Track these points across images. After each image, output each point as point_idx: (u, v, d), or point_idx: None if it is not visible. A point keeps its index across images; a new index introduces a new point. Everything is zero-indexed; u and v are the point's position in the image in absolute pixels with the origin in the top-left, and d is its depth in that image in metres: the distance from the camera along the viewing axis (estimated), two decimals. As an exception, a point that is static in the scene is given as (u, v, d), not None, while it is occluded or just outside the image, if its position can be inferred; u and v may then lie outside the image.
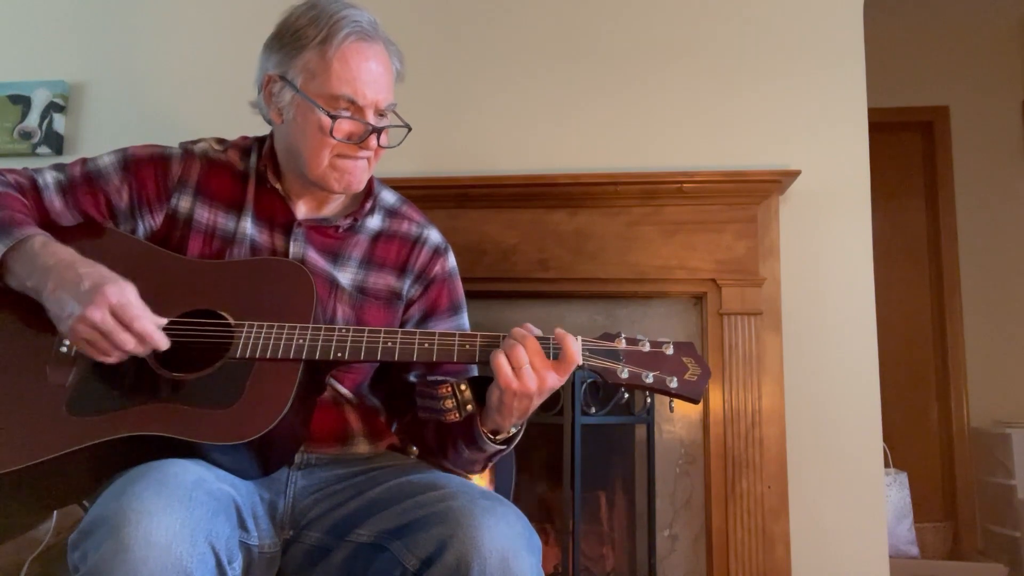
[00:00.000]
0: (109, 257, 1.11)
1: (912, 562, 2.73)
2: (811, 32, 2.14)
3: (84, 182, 1.22)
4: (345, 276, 1.24)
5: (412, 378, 1.26)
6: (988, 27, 3.48)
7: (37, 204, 1.20)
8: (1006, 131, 3.44)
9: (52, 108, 2.38)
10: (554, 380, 1.05)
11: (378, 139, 1.19)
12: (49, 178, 1.22)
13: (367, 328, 1.09)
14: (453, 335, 1.08)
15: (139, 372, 1.06)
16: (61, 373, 1.07)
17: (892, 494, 2.76)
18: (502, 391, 1.04)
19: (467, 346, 1.07)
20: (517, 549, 0.95)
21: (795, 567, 1.97)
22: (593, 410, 1.93)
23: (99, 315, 1.00)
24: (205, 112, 2.29)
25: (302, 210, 1.26)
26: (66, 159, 1.31)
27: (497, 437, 1.13)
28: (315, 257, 1.23)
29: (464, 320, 1.32)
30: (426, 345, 1.07)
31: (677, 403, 1.09)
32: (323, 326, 1.09)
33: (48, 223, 1.19)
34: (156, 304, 1.08)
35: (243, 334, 1.08)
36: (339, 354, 1.07)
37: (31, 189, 1.20)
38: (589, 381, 1.92)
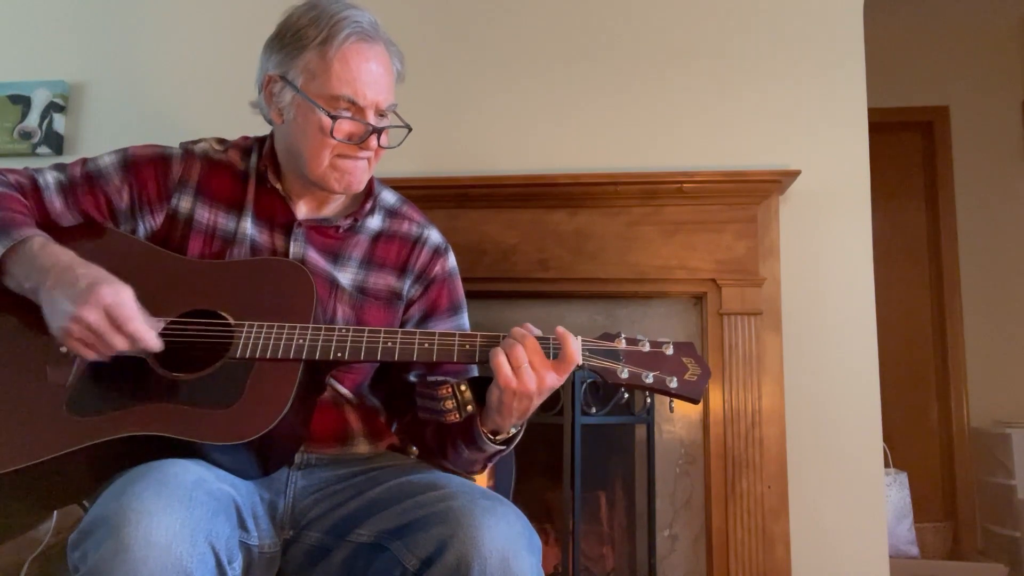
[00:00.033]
0: (109, 257, 1.11)
1: (912, 562, 2.73)
2: (811, 32, 2.14)
3: (84, 182, 1.22)
4: (345, 276, 1.24)
5: (412, 378, 1.26)
6: (988, 27, 3.48)
7: (38, 204, 1.20)
8: (1006, 131, 3.44)
9: (52, 108, 2.38)
10: (553, 379, 1.05)
11: (378, 139, 1.19)
12: (50, 178, 1.22)
13: (367, 328, 1.09)
14: (453, 335, 1.08)
15: (139, 372, 1.06)
16: (61, 373, 1.07)
17: (892, 494, 2.76)
18: (501, 391, 1.04)
19: (467, 346, 1.07)
20: (517, 549, 0.95)
21: (795, 567, 1.97)
22: (593, 410, 1.93)
23: (93, 315, 1.00)
24: (205, 112, 2.29)
25: (302, 210, 1.26)
26: (66, 159, 1.31)
27: (497, 437, 1.13)
28: (315, 257, 1.23)
29: (464, 320, 1.32)
30: (426, 345, 1.07)
31: (677, 403, 1.09)
32: (323, 326, 1.09)
33: (48, 223, 1.19)
34: (156, 304, 1.08)
35: (243, 334, 1.08)
36: (339, 354, 1.07)
37: (32, 189, 1.20)
38: (589, 381, 1.92)
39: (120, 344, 1.02)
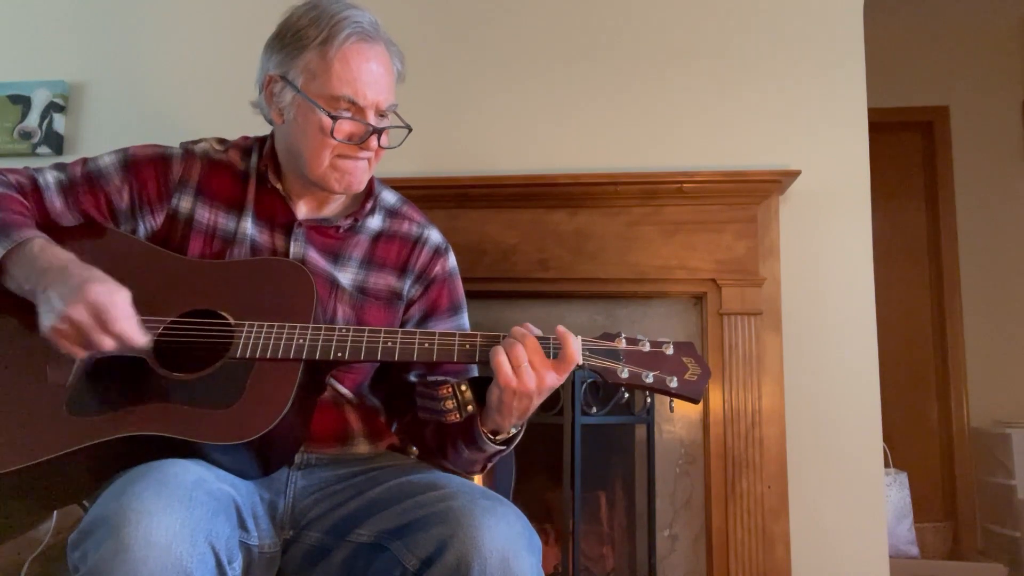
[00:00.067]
0: (109, 257, 1.11)
1: (912, 562, 2.73)
2: (811, 32, 2.14)
3: (85, 182, 1.22)
4: (345, 276, 1.24)
5: (412, 378, 1.26)
6: (988, 27, 3.49)
7: (38, 204, 1.20)
8: (1006, 131, 3.44)
9: (52, 108, 2.38)
10: (553, 379, 1.05)
11: (379, 140, 1.19)
12: (50, 178, 1.22)
13: (367, 328, 1.09)
14: (453, 335, 1.08)
15: (139, 372, 1.06)
16: (61, 373, 1.07)
17: (892, 494, 2.76)
18: (501, 390, 1.04)
19: (467, 346, 1.07)
20: (517, 549, 0.95)
21: (795, 567, 1.97)
22: (593, 410, 1.93)
23: (80, 313, 0.99)
24: (205, 112, 2.29)
25: (303, 210, 1.26)
26: (66, 159, 1.31)
27: (497, 437, 1.13)
28: (315, 257, 1.23)
29: (464, 320, 1.32)
30: (426, 345, 1.07)
31: (677, 403, 1.09)
32: (323, 326, 1.09)
33: (49, 223, 1.19)
34: (157, 304, 1.08)
35: (243, 334, 1.08)
36: (339, 354, 1.07)
37: (32, 189, 1.20)
38: (589, 381, 1.92)
39: (106, 343, 1.01)
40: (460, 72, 2.26)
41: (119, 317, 1.01)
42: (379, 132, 1.18)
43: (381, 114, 1.19)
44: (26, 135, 2.38)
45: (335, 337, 1.07)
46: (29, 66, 2.43)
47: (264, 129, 1.29)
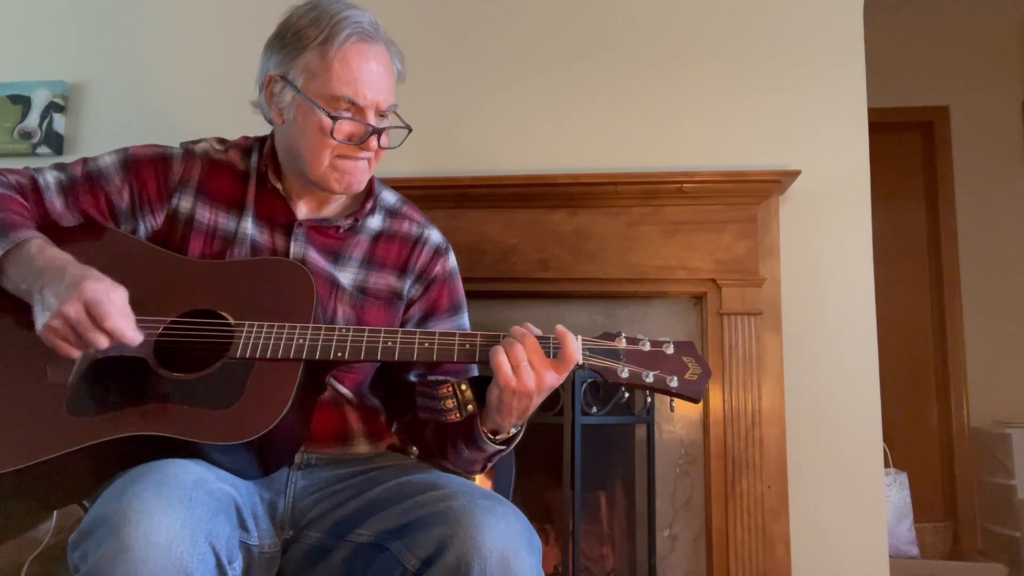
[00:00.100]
0: (109, 257, 1.11)
1: (912, 562, 2.73)
2: (811, 32, 2.14)
3: (85, 182, 1.22)
4: (346, 276, 1.24)
5: (412, 378, 1.26)
6: (988, 27, 3.49)
7: (38, 205, 1.20)
8: (1006, 131, 3.44)
9: (52, 108, 2.38)
10: (552, 378, 1.04)
11: (378, 140, 1.19)
12: (50, 178, 1.22)
13: (367, 328, 1.09)
14: (453, 335, 1.08)
15: (139, 372, 1.06)
16: (61, 373, 1.07)
17: (892, 494, 2.76)
18: (501, 389, 1.04)
19: (467, 345, 1.07)
20: (517, 549, 0.95)
21: (795, 567, 1.97)
22: (593, 410, 1.93)
23: (73, 310, 0.99)
24: (205, 112, 2.29)
25: (303, 210, 1.26)
26: (66, 159, 1.31)
27: (497, 437, 1.13)
28: (316, 257, 1.23)
29: (464, 320, 1.32)
30: (426, 345, 1.07)
31: (677, 403, 1.09)
32: (323, 326, 1.09)
33: (49, 223, 1.19)
34: (157, 304, 1.08)
35: (243, 334, 1.08)
36: (339, 354, 1.07)
37: (32, 190, 1.20)
38: (589, 381, 1.92)
39: (100, 340, 1.01)
40: (460, 72, 2.26)
41: (112, 313, 1.01)
42: (379, 132, 1.18)
43: (381, 114, 1.19)
44: (26, 135, 2.39)
45: (335, 337, 1.07)
46: (29, 66, 2.43)
47: (264, 129, 1.29)
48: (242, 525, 1.00)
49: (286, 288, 1.13)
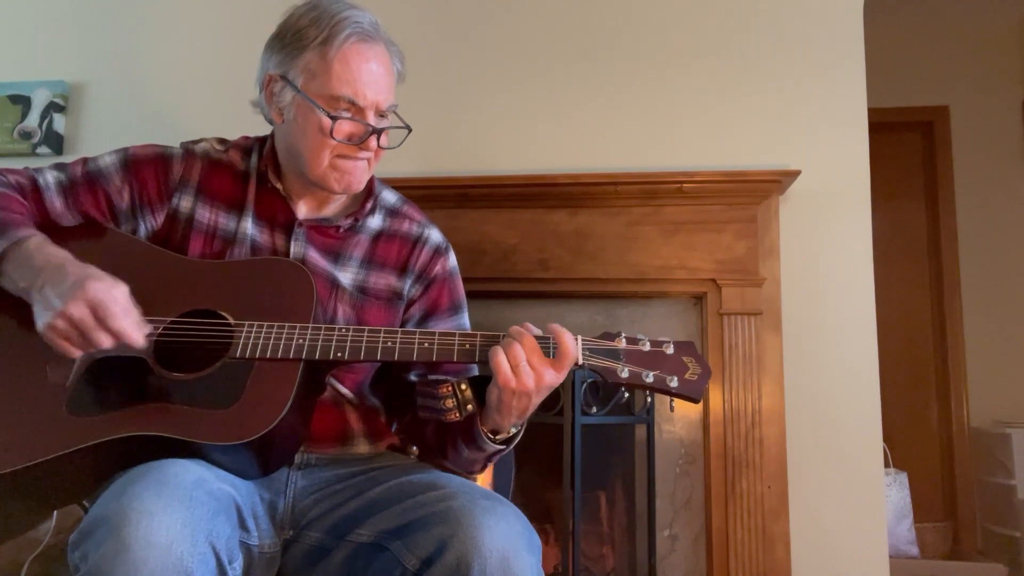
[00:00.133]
0: (109, 257, 1.11)
1: (912, 562, 2.73)
2: (811, 32, 2.14)
3: (85, 182, 1.22)
4: (346, 276, 1.24)
5: (412, 377, 1.26)
6: (988, 27, 3.49)
7: (38, 204, 1.20)
8: (1006, 131, 3.44)
9: (52, 108, 2.38)
10: (552, 377, 1.04)
11: (378, 140, 1.19)
12: (50, 178, 1.22)
13: (367, 328, 1.09)
14: (453, 335, 1.08)
15: (139, 372, 1.06)
16: (61, 373, 1.07)
17: (892, 494, 2.76)
18: (500, 389, 1.04)
19: (467, 345, 1.07)
20: (517, 549, 0.95)
21: (795, 567, 1.97)
22: (593, 410, 1.93)
23: (77, 310, 0.99)
24: (205, 112, 2.29)
25: (303, 210, 1.26)
26: (66, 159, 1.31)
27: (497, 437, 1.13)
28: (316, 257, 1.23)
29: (465, 320, 1.32)
30: (426, 345, 1.07)
31: (677, 403, 1.09)
32: (323, 326, 1.09)
33: (49, 223, 1.19)
34: (156, 304, 1.08)
35: (243, 334, 1.08)
36: (339, 354, 1.07)
37: (32, 190, 1.20)
38: (589, 381, 1.92)
39: (104, 341, 1.01)
40: (460, 72, 2.26)
41: (118, 314, 1.01)
42: (378, 132, 1.18)
43: (381, 114, 1.19)
44: (26, 135, 2.39)
45: (335, 337, 1.07)
46: (29, 66, 2.43)
47: (264, 129, 1.29)
48: (242, 525, 1.00)
49: (286, 288, 1.13)
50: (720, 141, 2.13)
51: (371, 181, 1.28)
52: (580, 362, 1.05)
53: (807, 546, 1.98)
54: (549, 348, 1.05)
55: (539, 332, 1.06)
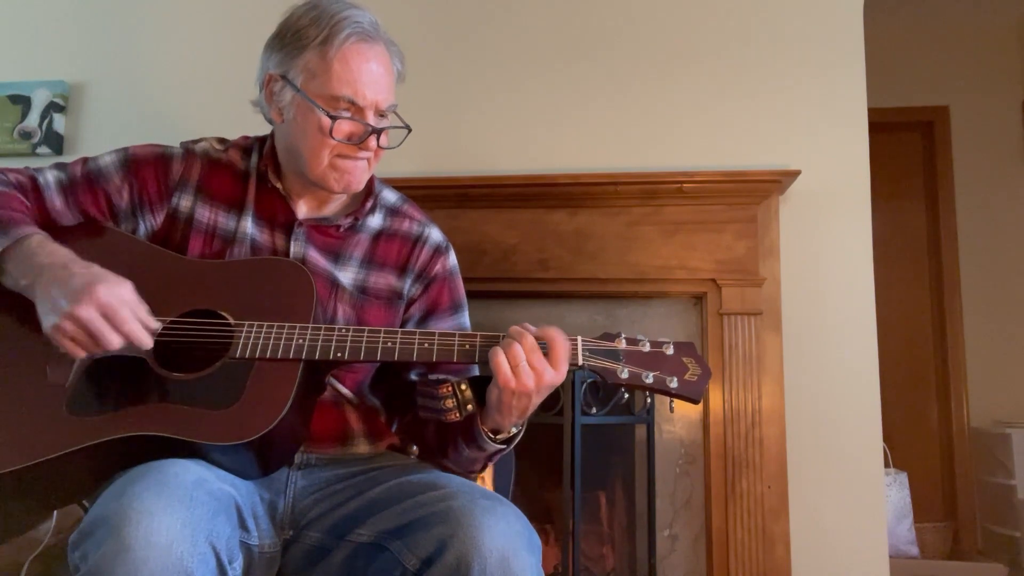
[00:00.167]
0: (109, 257, 1.11)
1: (912, 562, 2.73)
2: (811, 32, 2.14)
3: (85, 181, 1.22)
4: (346, 276, 1.24)
5: (413, 376, 1.26)
6: (988, 27, 3.49)
7: (38, 203, 1.20)
8: (1006, 131, 3.44)
9: (52, 108, 2.38)
10: (551, 377, 1.04)
11: (378, 140, 1.19)
12: (50, 177, 1.22)
13: (367, 328, 1.09)
14: (453, 335, 1.08)
15: (139, 372, 1.06)
16: (61, 373, 1.07)
17: (892, 494, 2.76)
18: (500, 390, 1.04)
19: (467, 346, 1.07)
20: (517, 549, 0.95)
21: (795, 567, 1.97)
22: (593, 410, 1.93)
23: (87, 313, 0.99)
24: (205, 112, 2.29)
25: (303, 209, 1.26)
26: (66, 159, 1.31)
27: (497, 436, 1.13)
28: (316, 257, 1.23)
29: (465, 319, 1.32)
30: (426, 345, 1.07)
31: (677, 403, 1.09)
32: (323, 326, 1.09)
33: (49, 222, 1.19)
34: (156, 304, 1.08)
35: (243, 334, 1.08)
36: (339, 354, 1.07)
37: (32, 188, 1.20)
38: (589, 381, 1.92)
39: (114, 343, 1.01)
40: (460, 72, 2.26)
41: (129, 318, 1.02)
42: (378, 132, 1.18)
43: (381, 114, 1.19)
44: (26, 135, 2.39)
45: (335, 337, 1.07)
46: (29, 66, 2.43)
47: (264, 129, 1.29)
48: (242, 525, 1.00)
49: (286, 288, 1.13)
50: (720, 141, 2.13)
51: (371, 180, 1.28)
52: (580, 363, 1.05)
53: (807, 546, 1.98)
54: (544, 350, 1.05)
55: (547, 329, 1.06)
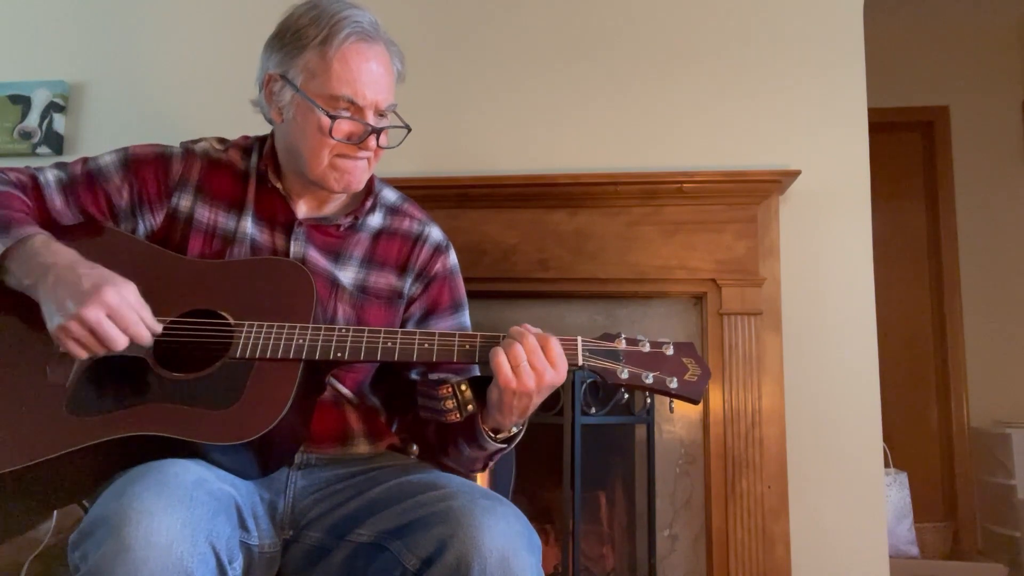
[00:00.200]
0: (109, 256, 1.11)
1: (912, 562, 2.73)
2: (811, 32, 2.14)
3: (85, 181, 1.22)
4: (346, 275, 1.24)
5: (414, 375, 1.26)
6: (988, 27, 3.48)
7: (38, 202, 1.20)
8: (1006, 131, 3.44)
9: (52, 108, 2.38)
10: (552, 377, 1.04)
11: (377, 139, 1.19)
12: (50, 176, 1.22)
13: (367, 328, 1.09)
14: (453, 335, 1.08)
15: (139, 372, 1.06)
16: (61, 373, 1.07)
17: (892, 494, 2.76)
18: (501, 390, 1.04)
19: (467, 346, 1.07)
20: (517, 549, 0.95)
21: (795, 567, 1.97)
22: (593, 410, 1.93)
23: (94, 315, 0.99)
24: (205, 112, 2.29)
25: (303, 209, 1.26)
26: (66, 159, 1.31)
27: (498, 436, 1.13)
28: (316, 256, 1.23)
29: (465, 318, 1.32)
30: (426, 345, 1.07)
31: (677, 403, 1.09)
32: (323, 326, 1.09)
33: (49, 222, 1.19)
34: (156, 304, 1.08)
35: (243, 334, 1.08)
36: (339, 354, 1.07)
37: (32, 187, 1.20)
38: (589, 381, 1.92)
39: (120, 345, 1.02)
40: (460, 72, 2.26)
41: (135, 321, 1.02)
42: (378, 132, 1.18)
43: (380, 114, 1.19)
44: (26, 135, 2.39)
45: (335, 337, 1.07)
46: (29, 66, 2.43)
47: (264, 129, 1.29)
48: (242, 525, 1.00)
49: (286, 288, 1.13)
50: (720, 141, 2.13)
51: (371, 180, 1.28)
52: (580, 363, 1.05)
53: (807, 546, 1.98)
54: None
55: (539, 332, 1.06)
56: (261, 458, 1.05)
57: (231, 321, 1.10)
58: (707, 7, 2.19)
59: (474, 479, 1.24)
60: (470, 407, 1.13)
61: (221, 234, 1.23)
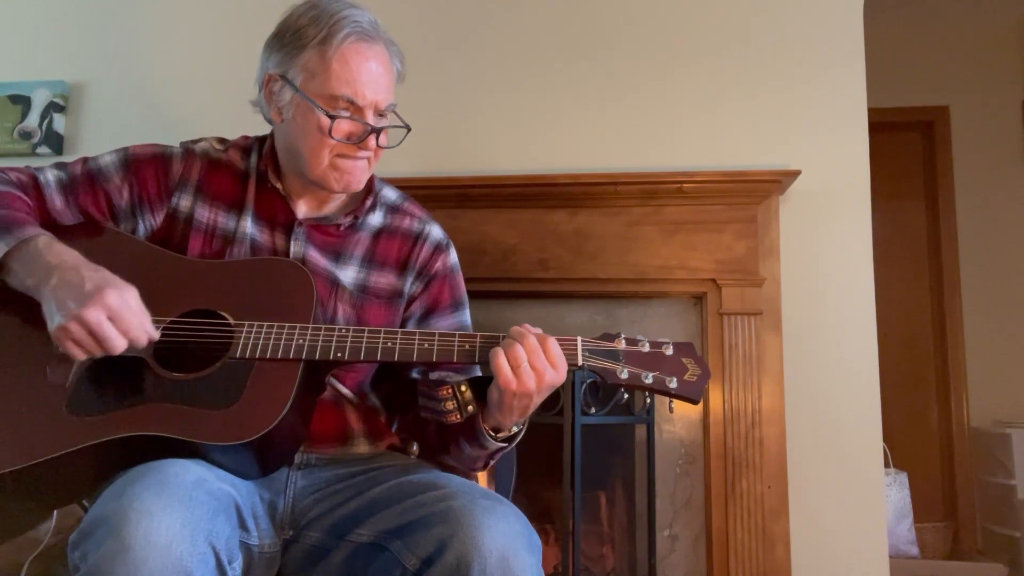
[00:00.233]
0: (109, 257, 1.11)
1: (912, 562, 2.73)
2: (811, 32, 2.14)
3: (85, 180, 1.22)
4: (347, 275, 1.24)
5: (414, 375, 1.26)
6: (988, 27, 3.49)
7: (39, 202, 1.20)
8: (1006, 131, 3.44)
9: (52, 108, 2.38)
10: (552, 377, 1.04)
11: (377, 139, 1.19)
12: (50, 176, 1.22)
13: (367, 328, 1.09)
14: (453, 335, 1.08)
15: (139, 372, 1.06)
16: (61, 373, 1.07)
17: (892, 494, 2.76)
18: (501, 391, 1.04)
19: (467, 346, 1.07)
20: (517, 549, 0.95)
21: (795, 567, 1.97)
22: (593, 410, 1.93)
23: (94, 317, 0.99)
24: (205, 112, 2.29)
25: (303, 209, 1.26)
26: (66, 159, 1.31)
27: (499, 435, 1.13)
28: (316, 256, 1.23)
29: (466, 317, 1.32)
30: (426, 345, 1.07)
31: (677, 403, 1.09)
32: (323, 326, 1.09)
33: (49, 221, 1.19)
34: (156, 304, 1.08)
35: (243, 334, 1.08)
36: (339, 354, 1.07)
37: (33, 187, 1.20)
38: (589, 381, 1.92)
39: (119, 348, 1.02)
40: (460, 72, 2.26)
41: (136, 325, 1.02)
42: (378, 132, 1.18)
43: (380, 114, 1.19)
44: (26, 135, 2.39)
45: (335, 337, 1.07)
46: (29, 66, 2.43)
47: (264, 129, 1.29)
48: (242, 525, 1.00)
49: (286, 288, 1.13)
50: (720, 141, 2.13)
51: (371, 179, 1.28)
52: (580, 363, 1.06)
53: (807, 546, 1.98)
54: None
55: (539, 332, 1.06)
56: (261, 458, 1.05)
57: (231, 321, 1.10)
58: (707, 7, 2.19)
59: (475, 478, 1.24)
60: (470, 408, 1.13)
61: (221, 234, 1.23)
